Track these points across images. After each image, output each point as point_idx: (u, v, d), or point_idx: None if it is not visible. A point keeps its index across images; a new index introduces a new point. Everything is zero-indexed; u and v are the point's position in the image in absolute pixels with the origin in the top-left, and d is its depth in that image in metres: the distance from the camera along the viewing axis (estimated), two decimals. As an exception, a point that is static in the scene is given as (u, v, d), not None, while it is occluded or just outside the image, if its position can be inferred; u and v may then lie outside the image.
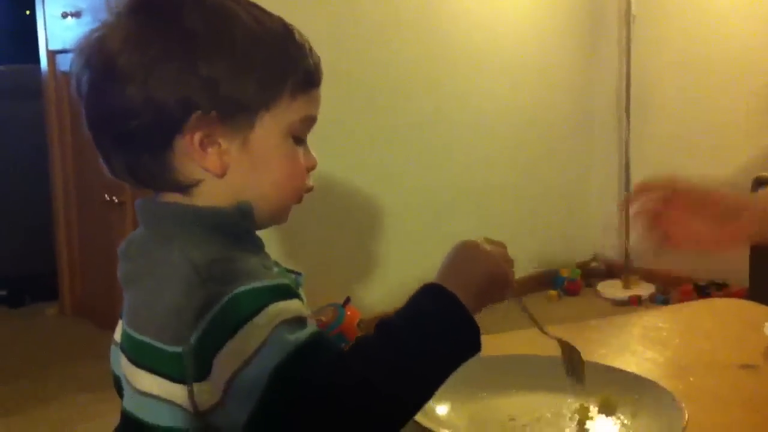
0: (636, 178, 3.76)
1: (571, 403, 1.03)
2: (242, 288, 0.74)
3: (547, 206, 3.81)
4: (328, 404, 0.71)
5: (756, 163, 3.14)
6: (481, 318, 0.79)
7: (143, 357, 0.79)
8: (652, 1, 3.65)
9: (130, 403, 0.82)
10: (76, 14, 3.23)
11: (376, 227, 3.25)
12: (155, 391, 0.78)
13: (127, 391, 0.83)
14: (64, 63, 3.45)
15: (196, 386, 0.75)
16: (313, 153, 0.88)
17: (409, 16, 3.24)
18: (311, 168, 0.87)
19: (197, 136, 0.81)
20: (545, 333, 0.96)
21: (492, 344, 1.29)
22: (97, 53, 0.82)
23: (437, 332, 0.76)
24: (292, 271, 0.88)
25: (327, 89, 0.88)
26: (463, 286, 0.79)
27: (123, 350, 0.83)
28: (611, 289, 3.72)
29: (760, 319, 1.31)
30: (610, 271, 3.86)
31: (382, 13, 3.15)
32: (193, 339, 0.74)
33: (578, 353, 0.97)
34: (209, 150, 0.82)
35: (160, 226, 0.84)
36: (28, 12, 3.63)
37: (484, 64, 3.50)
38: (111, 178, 0.87)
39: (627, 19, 3.66)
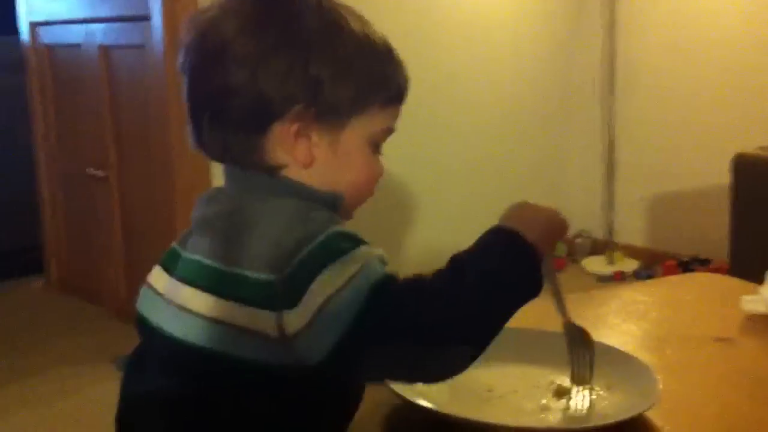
0: (621, 155, 3.78)
1: (547, 375, 1.04)
2: (340, 229, 0.81)
3: (531, 182, 3.82)
4: (412, 330, 0.77)
5: (737, 142, 3.15)
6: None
7: (228, 287, 0.82)
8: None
9: (199, 334, 0.83)
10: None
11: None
12: (237, 320, 0.81)
13: (191, 322, 0.84)
14: (46, 35, 3.43)
15: (285, 313, 0.78)
16: (382, 162, 0.93)
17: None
18: (379, 176, 0.93)
19: (294, 127, 0.85)
20: (565, 314, 1.00)
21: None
22: (212, 33, 0.86)
23: (505, 261, 0.81)
24: None
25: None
26: (525, 230, 0.84)
27: (191, 283, 0.86)
28: (596, 265, 3.74)
29: (737, 293, 1.32)
30: (595, 248, 3.88)
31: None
32: (289, 268, 0.78)
33: (592, 348, 0.99)
34: (300, 141, 0.86)
35: (260, 192, 0.88)
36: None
37: (466, 42, 3.49)
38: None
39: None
